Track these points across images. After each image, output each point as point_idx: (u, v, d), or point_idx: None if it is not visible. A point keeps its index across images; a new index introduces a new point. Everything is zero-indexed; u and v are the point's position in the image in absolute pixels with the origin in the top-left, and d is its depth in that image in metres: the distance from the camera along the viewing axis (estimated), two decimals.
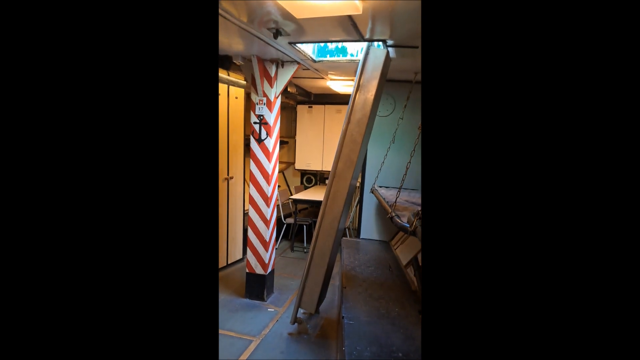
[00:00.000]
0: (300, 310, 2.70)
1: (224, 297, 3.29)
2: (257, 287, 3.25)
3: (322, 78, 3.85)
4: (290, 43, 2.48)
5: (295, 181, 6.19)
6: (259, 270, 3.22)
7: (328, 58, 2.91)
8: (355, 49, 2.82)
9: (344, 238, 3.72)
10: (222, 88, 3.64)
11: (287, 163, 6.13)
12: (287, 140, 6.00)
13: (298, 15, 1.87)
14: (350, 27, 2.11)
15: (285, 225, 4.98)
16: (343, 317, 2.12)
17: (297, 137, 5.69)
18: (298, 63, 2.99)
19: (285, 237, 5.25)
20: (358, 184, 3.93)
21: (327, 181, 5.76)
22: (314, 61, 2.97)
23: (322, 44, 2.88)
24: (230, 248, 4.04)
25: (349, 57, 2.87)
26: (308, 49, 2.73)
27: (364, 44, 2.37)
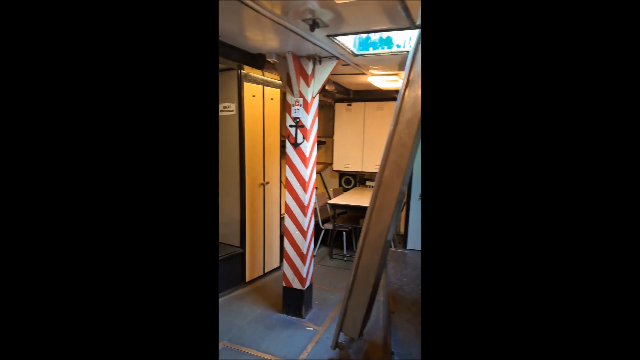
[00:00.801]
0: (342, 334, 2.43)
1: (260, 311, 3.11)
2: (295, 302, 3.03)
3: (363, 74, 3.53)
4: (328, 36, 2.20)
5: (334, 182, 5.93)
6: (296, 284, 2.99)
7: (371, 51, 2.60)
8: (403, 39, 2.48)
9: (389, 249, 3.39)
10: (256, 89, 3.45)
11: (324, 164, 5.88)
12: (325, 140, 5.74)
13: None
14: (397, 12, 1.79)
15: (323, 231, 4.73)
16: (393, 352, 1.82)
17: (335, 137, 5.41)
18: (337, 58, 2.70)
19: (323, 242, 5.00)
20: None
21: (372, 188, 5.45)
22: (355, 55, 2.66)
23: (363, 36, 2.57)
24: (267, 256, 3.87)
25: (394, 49, 2.54)
26: (348, 41, 2.44)
27: (415, 32, 2.03)
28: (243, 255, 3.54)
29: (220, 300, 3.30)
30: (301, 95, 2.76)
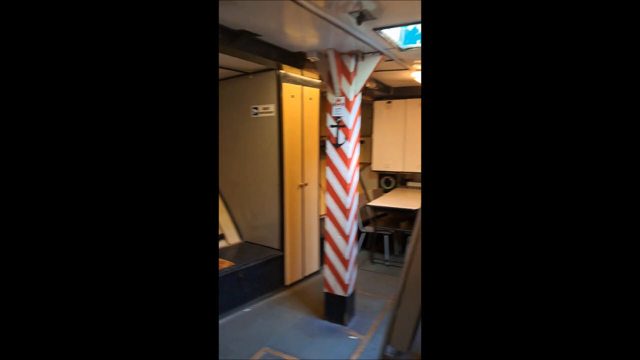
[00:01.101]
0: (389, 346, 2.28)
1: (301, 317, 3.03)
2: (337, 309, 2.92)
3: (406, 69, 3.35)
4: (375, 29, 2.06)
5: (372, 183, 5.76)
6: (338, 291, 2.88)
7: (418, 44, 2.42)
8: None
9: None
10: (295, 89, 3.38)
11: (363, 164, 5.72)
12: (363, 139, 5.58)
13: None
14: None
15: (362, 234, 4.57)
16: None
17: (374, 136, 5.24)
18: (381, 54, 2.56)
19: (363, 246, 4.85)
20: None
21: (417, 189, 5.22)
22: (401, 49, 2.50)
23: (410, 28, 2.40)
24: (306, 260, 3.79)
25: None
26: (394, 35, 2.28)
27: None
28: (282, 258, 3.49)
29: (260, 304, 3.27)
30: (343, 94, 2.64)
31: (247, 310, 3.15)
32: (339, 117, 2.69)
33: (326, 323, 2.94)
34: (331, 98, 2.71)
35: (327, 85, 2.72)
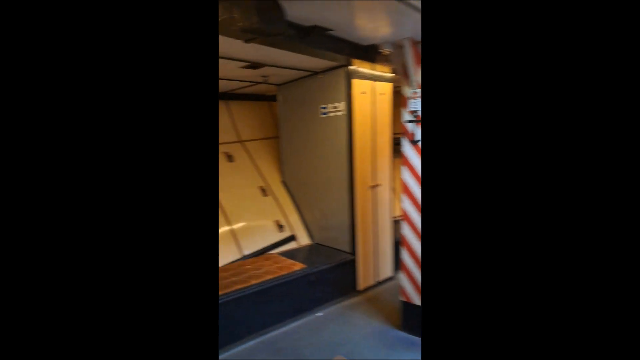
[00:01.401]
0: None
1: (375, 325, 2.87)
2: (415, 319, 2.69)
3: None
4: None
5: None
6: (417, 300, 2.65)
7: None
8: None
9: None
10: (366, 85, 3.22)
11: None
12: None
13: None
14: None
15: None
16: None
17: None
18: None
19: None
20: None
21: None
22: None
23: None
24: (380, 264, 3.61)
25: None
26: None
27: None
28: (354, 262, 3.36)
29: (332, 308, 3.18)
30: (420, 86, 2.42)
31: (319, 314, 3.08)
32: (416, 112, 2.47)
33: (404, 334, 2.73)
34: (407, 91, 2.50)
35: (401, 78, 2.52)
